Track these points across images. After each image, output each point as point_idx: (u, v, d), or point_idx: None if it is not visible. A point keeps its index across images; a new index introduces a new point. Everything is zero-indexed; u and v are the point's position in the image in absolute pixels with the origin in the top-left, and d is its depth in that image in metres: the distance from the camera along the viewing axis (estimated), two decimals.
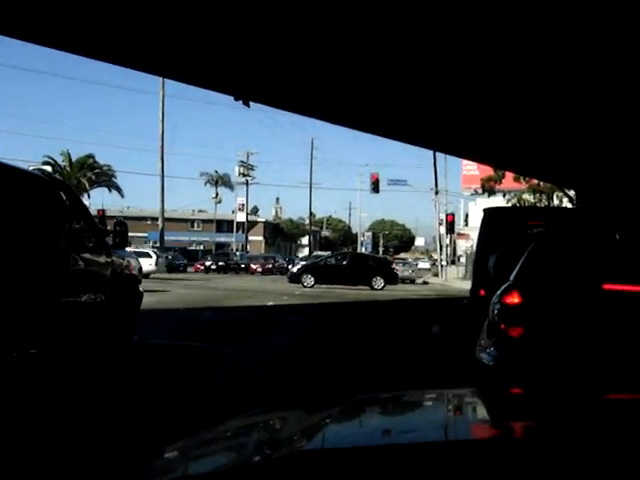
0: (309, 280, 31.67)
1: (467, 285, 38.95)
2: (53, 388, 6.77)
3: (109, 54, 15.62)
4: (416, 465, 1.24)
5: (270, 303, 20.57)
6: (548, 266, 6.20)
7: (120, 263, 9.62)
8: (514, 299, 5.65)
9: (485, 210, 11.80)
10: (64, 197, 8.51)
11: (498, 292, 5.94)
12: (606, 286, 5.54)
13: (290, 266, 38.60)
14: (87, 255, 8.54)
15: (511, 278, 6.04)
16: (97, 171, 59.66)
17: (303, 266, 35.30)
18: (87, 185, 57.45)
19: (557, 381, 4.95)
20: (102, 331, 9.22)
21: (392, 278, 33.02)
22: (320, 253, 77.31)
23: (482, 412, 1.98)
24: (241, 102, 19.59)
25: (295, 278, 32.72)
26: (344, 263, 33.69)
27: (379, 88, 16.94)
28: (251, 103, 20.90)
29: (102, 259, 8.91)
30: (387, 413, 1.97)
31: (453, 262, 57.35)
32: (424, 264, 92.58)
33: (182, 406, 6.18)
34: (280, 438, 1.67)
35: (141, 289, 10.36)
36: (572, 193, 42.51)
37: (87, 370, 8.09)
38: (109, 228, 9.77)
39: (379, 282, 31.88)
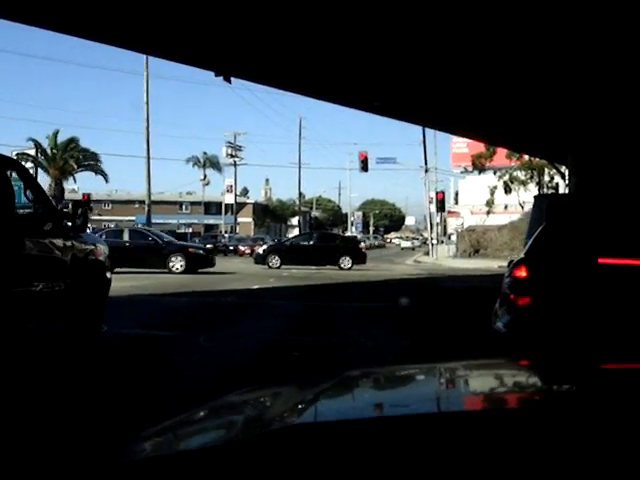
0: (275, 261, 30.59)
1: (459, 264, 38.63)
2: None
3: (88, 30, 15.03)
4: (409, 438, 1.23)
5: (255, 286, 19.83)
6: (554, 243, 6.66)
7: (83, 248, 8.84)
8: (522, 273, 6.29)
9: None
10: (15, 176, 7.76)
11: (509, 267, 6.70)
12: (601, 260, 6.13)
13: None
14: (41, 239, 7.79)
15: (522, 254, 6.79)
16: (83, 154, 58.60)
17: (269, 247, 34.04)
18: (75, 166, 56.46)
19: (559, 346, 5.66)
20: (62, 322, 8.50)
21: (360, 258, 32.12)
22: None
23: (475, 384, 1.97)
24: (222, 78, 18.94)
25: (260, 259, 31.63)
26: (311, 243, 32.60)
27: (363, 57, 16.25)
28: (233, 80, 20.36)
29: (60, 243, 8.15)
30: (379, 387, 1.98)
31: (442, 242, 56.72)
32: (406, 243, 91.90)
33: (141, 403, 5.48)
34: (271, 413, 1.65)
35: (109, 275, 9.59)
36: (563, 169, 42.05)
37: (42, 364, 7.37)
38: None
39: (347, 262, 31.11)
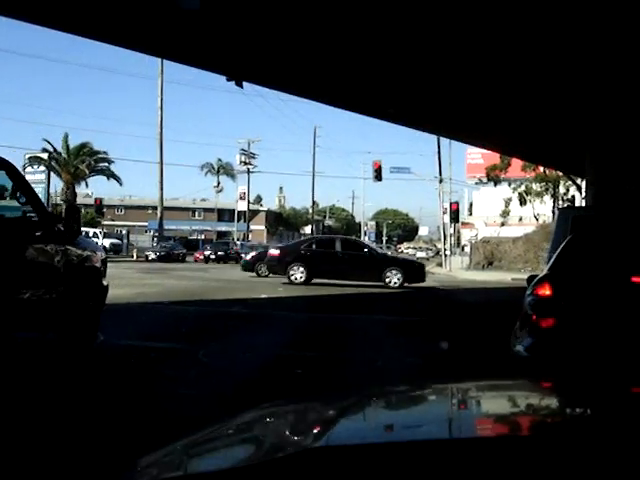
0: (264, 269, 28.95)
1: (472, 276, 38.01)
2: None
3: (103, 32, 14.81)
4: (428, 461, 1.22)
5: (264, 295, 19.33)
6: (580, 259, 6.12)
7: (78, 254, 8.39)
8: (546, 291, 5.77)
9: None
10: (7, 177, 7.32)
11: (531, 284, 6.07)
12: (635, 279, 5.63)
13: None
14: (31, 244, 7.34)
15: (545, 270, 6.23)
16: (95, 157, 58.35)
17: (258, 254, 32.36)
18: (87, 171, 56.19)
19: (587, 373, 4.87)
20: (55, 330, 8.05)
21: None
22: None
23: (496, 406, 1.91)
24: (234, 83, 18.56)
25: (249, 267, 30.58)
26: None
27: (378, 63, 15.84)
28: (247, 87, 20.00)
29: (51, 248, 7.69)
30: (398, 407, 1.98)
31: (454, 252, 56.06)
32: (421, 253, 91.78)
33: (123, 424, 5.01)
34: (288, 435, 1.64)
35: (105, 283, 9.12)
36: (579, 181, 41.42)
37: (32, 373, 6.90)
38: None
39: None
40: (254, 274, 29.65)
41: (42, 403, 5.80)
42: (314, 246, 26.70)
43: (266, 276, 28.38)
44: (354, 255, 25.44)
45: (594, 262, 6.02)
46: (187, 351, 9.15)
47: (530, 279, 6.32)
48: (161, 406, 5.90)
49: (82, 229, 37.16)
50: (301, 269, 24.49)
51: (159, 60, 48.53)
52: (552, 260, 6.36)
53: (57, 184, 56.23)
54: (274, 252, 26.38)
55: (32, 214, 7.67)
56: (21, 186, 7.67)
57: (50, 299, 7.73)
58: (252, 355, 9.03)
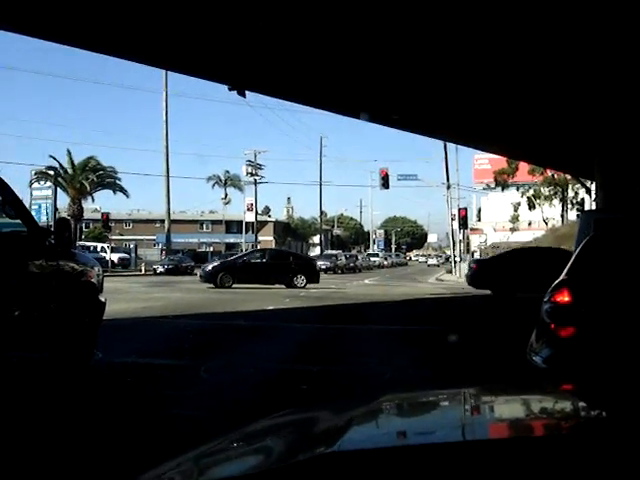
0: (226, 279, 28.69)
1: None
2: None
3: (105, 45, 14.68)
4: (442, 465, 1.22)
5: (270, 307, 18.97)
6: (600, 263, 5.70)
7: (72, 269, 8.07)
8: (564, 297, 5.37)
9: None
10: None
11: (548, 290, 5.62)
12: None
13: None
14: (20, 259, 7.02)
15: (562, 275, 5.70)
16: (100, 173, 58.21)
17: (220, 264, 31.75)
18: (89, 187, 56.01)
19: (609, 385, 4.18)
20: (48, 349, 7.72)
21: (314, 277, 30.89)
22: (331, 252, 75.85)
23: (513, 410, 1.90)
24: (236, 92, 18.32)
25: (210, 278, 29.42)
26: (263, 261, 31.04)
27: (381, 69, 15.56)
28: (253, 98, 19.79)
29: (42, 264, 7.37)
30: (414, 413, 1.97)
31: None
32: (432, 260, 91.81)
33: (113, 447, 4.69)
34: (303, 441, 1.65)
35: (102, 299, 8.79)
36: (589, 184, 41.04)
37: (25, 394, 6.58)
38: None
39: (301, 281, 29.92)
40: (212, 285, 28.51)
41: (32, 423, 5.48)
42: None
43: (230, 287, 27.95)
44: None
45: (615, 265, 5.62)
46: (188, 367, 8.80)
47: None
48: (152, 427, 5.56)
49: (90, 244, 36.97)
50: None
51: (164, 73, 48.52)
52: (569, 264, 5.89)
53: (65, 199, 56.11)
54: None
55: (21, 229, 7.36)
56: (9, 199, 7.36)
57: (42, 317, 7.41)
58: (255, 370, 8.68)
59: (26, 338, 7.38)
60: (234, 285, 28.26)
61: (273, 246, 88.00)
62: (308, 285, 29.68)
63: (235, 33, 13.29)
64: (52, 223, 32.11)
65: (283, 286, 29.06)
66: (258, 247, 75.41)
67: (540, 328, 5.60)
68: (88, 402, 6.64)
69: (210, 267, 31.12)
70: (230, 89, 18.08)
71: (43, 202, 48.78)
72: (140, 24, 12.84)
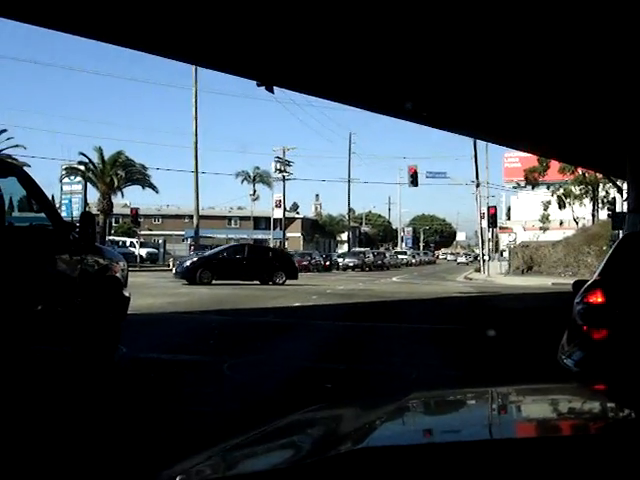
0: (204, 276, 27.90)
1: (511, 281, 37.35)
2: None
3: (136, 41, 14.71)
4: (471, 464, 1.21)
5: (297, 304, 18.88)
6: (636, 263, 5.45)
7: (97, 263, 8.03)
8: (598, 298, 5.20)
9: None
10: (19, 184, 6.97)
11: (580, 291, 5.45)
12: None
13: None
14: (43, 253, 6.98)
15: (595, 275, 5.56)
16: (130, 168, 58.45)
17: (199, 259, 30.57)
18: (117, 182, 56.24)
19: None
20: (72, 343, 7.69)
21: (293, 273, 30.75)
22: (359, 249, 75.70)
23: (531, 410, 1.90)
24: (264, 88, 18.24)
25: (187, 274, 28.42)
26: (242, 257, 30.48)
27: (412, 66, 15.39)
28: (280, 93, 19.70)
29: (66, 258, 7.33)
30: (442, 411, 1.98)
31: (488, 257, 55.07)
32: (461, 258, 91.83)
33: (128, 444, 4.61)
34: (334, 437, 1.64)
35: (127, 294, 8.74)
36: (620, 183, 40.48)
37: (48, 386, 6.55)
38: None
39: (281, 277, 29.64)
40: (186, 282, 27.56)
41: (52, 416, 5.43)
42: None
43: (208, 283, 27.22)
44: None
45: None
46: (212, 363, 8.72)
47: (577, 285, 5.64)
48: (174, 423, 5.48)
49: (119, 239, 36.94)
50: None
51: (193, 69, 48.61)
52: (602, 264, 5.73)
53: (95, 194, 56.44)
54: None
55: (46, 223, 7.32)
56: (34, 193, 7.32)
57: (66, 311, 7.37)
58: (280, 368, 8.58)
59: (50, 332, 7.35)
60: (213, 282, 27.52)
61: (301, 242, 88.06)
62: (291, 282, 29.53)
63: (264, 29, 13.20)
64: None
65: (258, 282, 28.85)
66: (286, 244, 75.64)
67: (572, 330, 5.45)
68: (111, 397, 6.58)
69: (189, 262, 30.21)
70: (259, 85, 18.00)
71: (73, 197, 49.16)
72: (171, 20, 12.80)
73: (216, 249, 35.03)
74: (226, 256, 30.75)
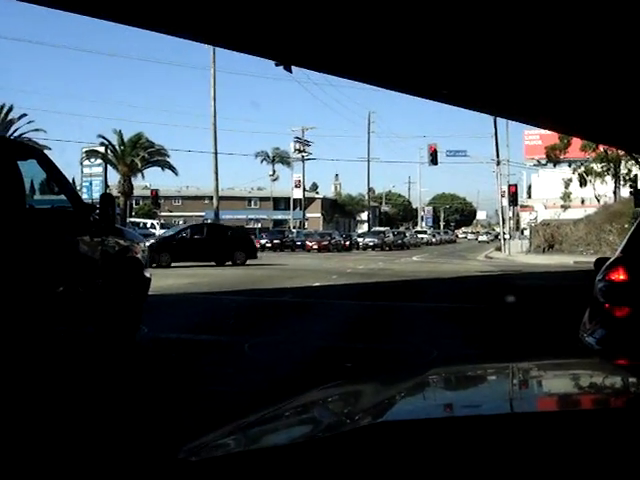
0: (164, 258, 27.01)
1: (533, 259, 37.24)
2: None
3: (153, 21, 14.63)
4: (491, 438, 1.22)
5: (317, 284, 18.91)
6: None
7: (117, 245, 8.07)
8: (620, 276, 5.12)
9: None
10: (39, 167, 7.01)
11: (602, 268, 5.36)
12: None
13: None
14: (64, 235, 7.02)
15: (617, 252, 5.51)
16: (150, 150, 58.62)
17: (157, 241, 29.05)
18: (140, 164, 56.45)
19: None
20: (94, 323, 7.75)
21: (252, 252, 30.59)
22: (379, 229, 75.63)
23: (552, 385, 1.91)
24: (282, 67, 18.17)
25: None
26: (201, 237, 29.96)
27: (431, 42, 15.24)
28: (300, 73, 19.58)
29: (87, 239, 7.37)
30: (462, 386, 1.97)
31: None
32: (482, 237, 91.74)
33: (145, 422, 4.65)
34: (354, 411, 1.63)
35: (148, 274, 8.78)
36: None
37: (69, 366, 6.62)
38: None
39: (241, 257, 29.34)
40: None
41: (75, 396, 5.49)
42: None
43: (168, 266, 26.36)
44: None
45: None
46: (233, 343, 8.77)
47: (599, 262, 5.58)
48: (195, 402, 5.52)
49: (140, 220, 36.49)
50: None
51: (211, 50, 48.50)
52: (625, 241, 5.62)
53: (115, 177, 56.71)
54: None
55: (67, 205, 7.36)
56: (54, 176, 7.35)
57: (88, 292, 7.43)
58: (300, 348, 8.61)
59: (72, 313, 7.40)
60: (173, 264, 26.91)
61: (321, 222, 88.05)
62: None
63: (281, 7, 13.10)
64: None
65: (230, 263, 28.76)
66: (306, 224, 75.67)
67: (593, 307, 5.37)
68: (132, 376, 6.64)
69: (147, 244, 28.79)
70: (277, 64, 17.91)
71: (94, 180, 49.42)
72: (194, 2, 12.74)
73: (174, 229, 34.35)
74: (185, 237, 30.02)
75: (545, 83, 18.79)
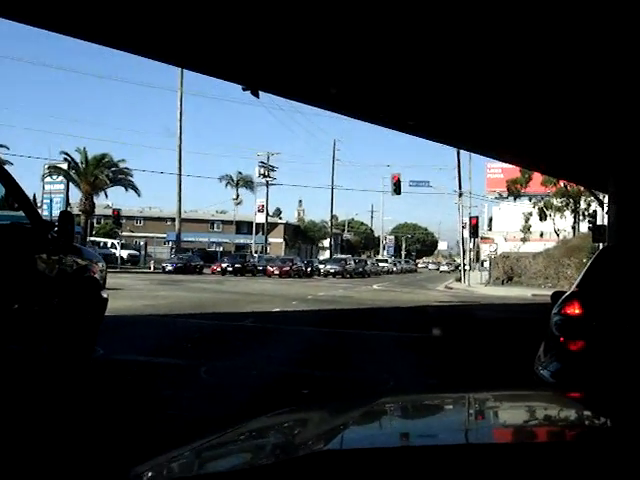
0: None
1: (492, 291, 37.44)
2: None
3: (120, 41, 14.59)
4: (436, 468, 1.20)
5: (277, 309, 18.85)
6: (614, 275, 5.52)
7: (75, 263, 7.95)
8: (575, 310, 5.15)
9: None
10: None
11: (558, 302, 5.40)
12: None
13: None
14: (23, 253, 6.91)
15: (574, 286, 5.57)
16: (114, 169, 58.16)
17: None
18: (105, 182, 55.87)
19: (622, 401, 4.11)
20: (47, 343, 7.61)
21: None
22: (340, 256, 75.70)
23: (506, 416, 1.87)
24: (249, 92, 18.20)
25: None
26: None
27: (398, 74, 15.41)
28: (267, 99, 19.63)
29: (44, 257, 7.26)
30: (413, 415, 1.96)
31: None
32: (444, 267, 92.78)
33: (98, 447, 4.56)
34: (300, 439, 1.64)
35: (105, 295, 8.67)
36: (601, 197, 40.79)
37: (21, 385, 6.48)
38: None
39: None
40: None
41: (26, 418, 5.37)
42: None
43: None
44: None
45: (628, 278, 5.39)
46: (189, 367, 8.68)
47: (555, 296, 5.62)
48: (149, 426, 5.44)
49: (101, 239, 36.69)
50: None
51: (179, 71, 48.53)
52: (581, 275, 5.72)
53: (77, 195, 56.08)
54: None
55: (24, 221, 7.24)
56: (12, 191, 7.24)
57: (43, 310, 7.30)
58: (257, 373, 8.54)
59: (26, 331, 7.27)
60: None
61: (283, 248, 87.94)
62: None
63: (249, 33, 13.17)
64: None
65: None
66: (268, 249, 75.44)
67: (549, 341, 5.40)
68: (85, 398, 6.53)
69: None
70: (244, 89, 17.94)
71: (55, 196, 48.80)
72: (156, 22, 12.75)
73: None
74: None
75: (508, 120, 19.10)
